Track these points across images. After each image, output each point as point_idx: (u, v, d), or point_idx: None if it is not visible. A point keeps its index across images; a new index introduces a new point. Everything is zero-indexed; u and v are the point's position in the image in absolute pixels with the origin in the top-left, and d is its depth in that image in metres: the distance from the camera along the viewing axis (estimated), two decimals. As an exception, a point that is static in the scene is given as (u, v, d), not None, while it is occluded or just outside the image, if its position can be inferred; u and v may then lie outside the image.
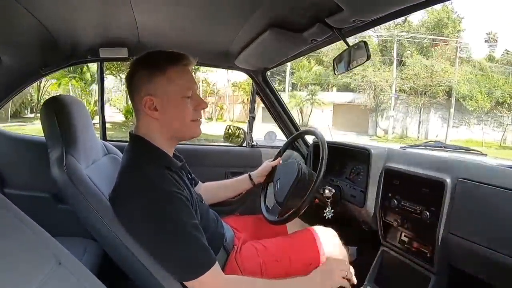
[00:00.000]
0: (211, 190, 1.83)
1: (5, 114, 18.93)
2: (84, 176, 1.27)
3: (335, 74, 1.79)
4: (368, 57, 1.45)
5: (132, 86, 1.25)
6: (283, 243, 1.58)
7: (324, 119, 28.31)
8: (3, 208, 0.80)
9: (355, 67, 1.58)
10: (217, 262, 1.17)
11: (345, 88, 29.65)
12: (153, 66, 1.22)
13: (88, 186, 1.25)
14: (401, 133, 27.81)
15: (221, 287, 1.17)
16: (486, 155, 1.90)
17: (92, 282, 0.90)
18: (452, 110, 25.81)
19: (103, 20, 1.63)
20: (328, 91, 30.89)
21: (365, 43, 1.45)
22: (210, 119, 30.79)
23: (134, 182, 1.18)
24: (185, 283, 1.15)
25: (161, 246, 1.13)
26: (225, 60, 2.21)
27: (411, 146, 2.13)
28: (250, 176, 1.89)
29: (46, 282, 0.76)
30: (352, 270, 1.41)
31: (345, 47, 1.53)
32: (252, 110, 2.66)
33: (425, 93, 26.17)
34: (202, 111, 1.35)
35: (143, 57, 1.27)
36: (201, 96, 1.35)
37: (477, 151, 1.95)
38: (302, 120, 29.57)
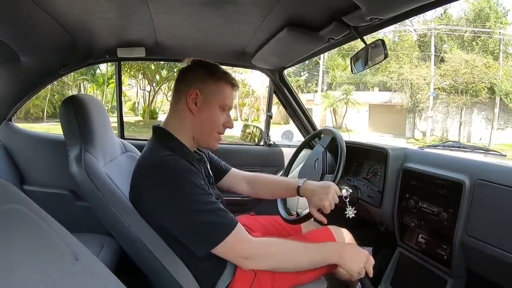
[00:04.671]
0: (267, 185, 1.73)
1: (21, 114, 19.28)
2: (102, 173, 1.30)
3: (352, 73, 1.77)
4: (386, 56, 1.43)
5: (184, 78, 1.36)
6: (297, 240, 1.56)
7: (359, 120, 27.26)
8: (22, 204, 0.81)
9: (372, 66, 1.56)
10: (239, 224, 1.19)
11: (386, 88, 27.22)
12: (211, 71, 1.34)
13: (106, 183, 1.28)
14: (441, 135, 25.25)
15: (250, 247, 1.18)
16: (505, 155, 1.86)
17: (108, 278, 0.92)
18: (496, 110, 23.28)
19: (120, 21, 1.65)
20: (368, 91, 28.88)
21: (382, 41, 1.44)
22: (246, 120, 30.26)
23: (150, 167, 1.22)
24: (213, 251, 1.15)
25: (183, 219, 1.15)
26: (242, 59, 2.22)
27: (429, 146, 2.09)
28: (298, 189, 1.55)
29: (63, 277, 0.78)
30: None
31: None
32: (269, 109, 2.66)
33: (466, 91, 23.44)
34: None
35: (204, 61, 1.39)
36: (237, 97, 1.41)
37: (497, 151, 1.89)
38: (336, 122, 28.18)
